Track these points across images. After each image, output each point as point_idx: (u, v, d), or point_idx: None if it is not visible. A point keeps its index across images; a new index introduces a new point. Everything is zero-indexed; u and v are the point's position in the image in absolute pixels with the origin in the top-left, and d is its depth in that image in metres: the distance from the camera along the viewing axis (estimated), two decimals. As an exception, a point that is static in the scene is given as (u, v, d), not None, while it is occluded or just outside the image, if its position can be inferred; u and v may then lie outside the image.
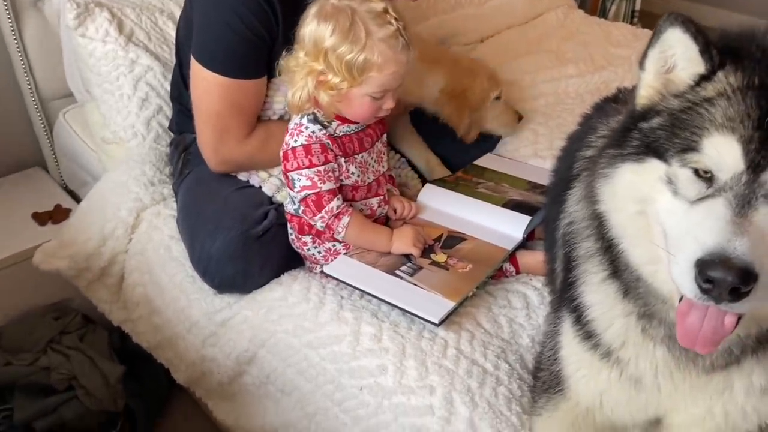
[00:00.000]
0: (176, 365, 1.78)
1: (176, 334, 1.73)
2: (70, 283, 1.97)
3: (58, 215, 2.24)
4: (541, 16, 2.93)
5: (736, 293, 0.84)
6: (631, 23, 3.96)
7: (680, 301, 0.97)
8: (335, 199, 1.51)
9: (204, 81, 1.62)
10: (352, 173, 1.57)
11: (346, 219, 1.52)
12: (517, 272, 1.64)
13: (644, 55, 1.02)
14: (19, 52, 2.26)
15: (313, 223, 1.55)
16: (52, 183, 2.46)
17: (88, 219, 1.93)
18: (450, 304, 1.42)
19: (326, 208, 1.51)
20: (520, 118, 2.10)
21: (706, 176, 0.91)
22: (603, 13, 4.08)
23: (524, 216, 1.68)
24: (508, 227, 1.67)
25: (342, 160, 1.54)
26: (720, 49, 0.96)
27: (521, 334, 1.44)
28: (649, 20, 3.96)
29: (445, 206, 1.76)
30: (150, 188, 1.96)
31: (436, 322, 1.38)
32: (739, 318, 0.93)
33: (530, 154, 2.06)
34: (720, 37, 1.00)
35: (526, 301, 1.52)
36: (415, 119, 2.05)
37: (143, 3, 2.17)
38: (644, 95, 1.03)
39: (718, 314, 0.92)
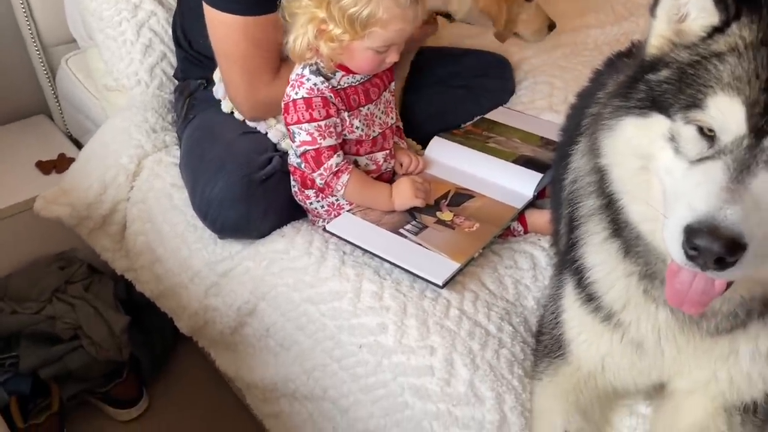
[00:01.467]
0: (179, 314, 1.77)
1: (179, 283, 1.71)
2: (75, 233, 1.95)
3: (62, 164, 2.21)
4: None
5: (722, 263, 0.81)
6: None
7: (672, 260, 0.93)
8: (335, 155, 1.46)
9: (222, 25, 1.56)
10: (357, 127, 1.51)
11: (345, 177, 1.47)
12: (526, 232, 1.60)
13: (656, 2, 0.97)
14: (20, -3, 2.19)
15: (313, 178, 1.51)
16: (56, 131, 2.42)
17: (89, 166, 1.90)
18: (454, 266, 1.38)
19: (325, 165, 1.46)
20: (551, 26, 1.95)
21: (709, 135, 0.87)
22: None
23: (535, 173, 1.62)
24: (518, 184, 1.62)
25: (345, 114, 1.48)
26: None
27: (526, 296, 1.41)
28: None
29: (453, 161, 1.70)
30: (152, 135, 1.92)
31: (440, 284, 1.34)
32: (730, 281, 0.91)
33: (545, 107, 1.99)
34: None
35: (533, 262, 1.48)
36: (427, 68, 1.96)
37: (147, -57, 2.08)
38: (654, 44, 0.98)
39: (707, 276, 0.89)
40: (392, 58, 1.45)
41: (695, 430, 1.12)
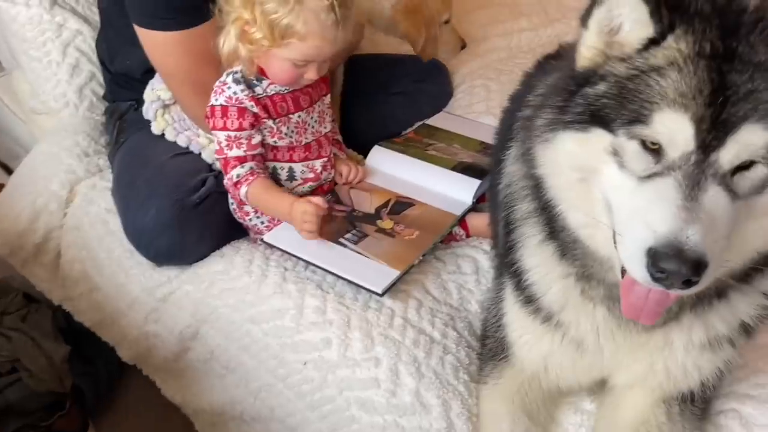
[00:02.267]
0: (120, 342, 1.72)
1: (117, 310, 1.66)
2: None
3: (-11, 190, 2.12)
4: (496, -32, 2.83)
5: (688, 283, 0.83)
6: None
7: (623, 274, 0.95)
8: (239, 166, 1.44)
9: (159, 45, 1.53)
10: (285, 134, 1.49)
11: (244, 189, 1.44)
12: (468, 236, 1.60)
13: (588, 13, 0.96)
14: (-65, 17, 2.09)
15: None
16: (-15, 157, 2.33)
17: (18, 194, 1.83)
18: (394, 273, 1.37)
19: (228, 175, 1.45)
20: (463, 45, 2.15)
21: (653, 148, 0.88)
22: (560, -35, 3.99)
23: (474, 180, 1.63)
24: (457, 191, 1.62)
25: (271, 122, 1.46)
26: (671, 7, 0.90)
27: (470, 300, 1.41)
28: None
29: (393, 170, 1.70)
30: (84, 159, 1.86)
31: (379, 292, 1.33)
32: None
33: (483, 110, 2.01)
34: None
35: (476, 266, 1.49)
36: (365, 76, 1.96)
37: (69, -38, 2.02)
38: (586, 56, 0.97)
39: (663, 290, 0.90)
40: (311, 75, 1.43)
41: (637, 422, 1.13)
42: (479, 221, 1.59)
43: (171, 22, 1.50)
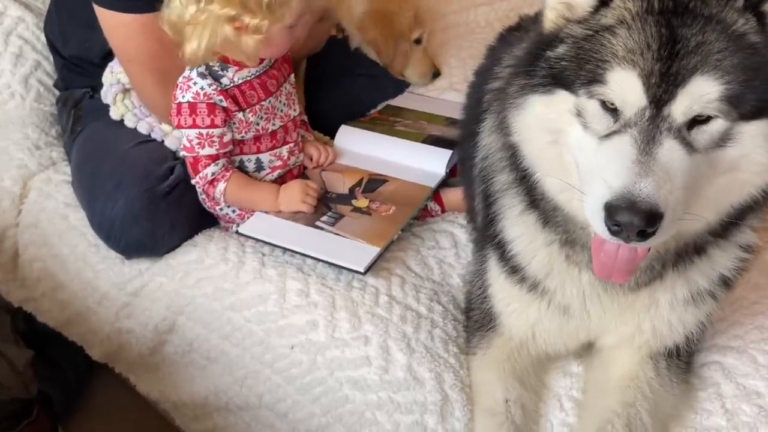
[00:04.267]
0: (90, 341, 1.65)
1: (86, 308, 1.59)
2: (-41, 265, 1.77)
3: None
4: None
5: (643, 234, 0.85)
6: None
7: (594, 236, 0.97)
8: (212, 164, 1.41)
9: (121, 26, 1.45)
10: (254, 123, 1.45)
11: (221, 185, 1.42)
12: (443, 211, 1.60)
13: None
14: None
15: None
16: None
17: (-33, 193, 1.73)
18: (374, 251, 1.36)
19: (201, 174, 1.41)
20: (437, 74, 2.01)
21: (612, 108, 0.90)
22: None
23: (445, 150, 1.63)
24: (429, 163, 1.62)
25: (240, 114, 1.42)
26: None
27: (451, 274, 1.41)
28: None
29: (363, 148, 1.68)
30: (36, 153, 1.77)
31: (362, 270, 1.32)
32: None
33: (446, 86, 2.01)
34: None
35: (454, 240, 1.49)
36: (329, 58, 1.93)
37: (3, -55, 1.91)
38: (550, 17, 1.00)
39: (630, 246, 0.92)
40: (301, 32, 1.40)
41: (626, 379, 1.16)
42: (453, 195, 1.60)
43: (136, 3, 1.42)
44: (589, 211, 0.90)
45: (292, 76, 1.58)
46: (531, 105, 0.98)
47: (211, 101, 1.37)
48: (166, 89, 1.44)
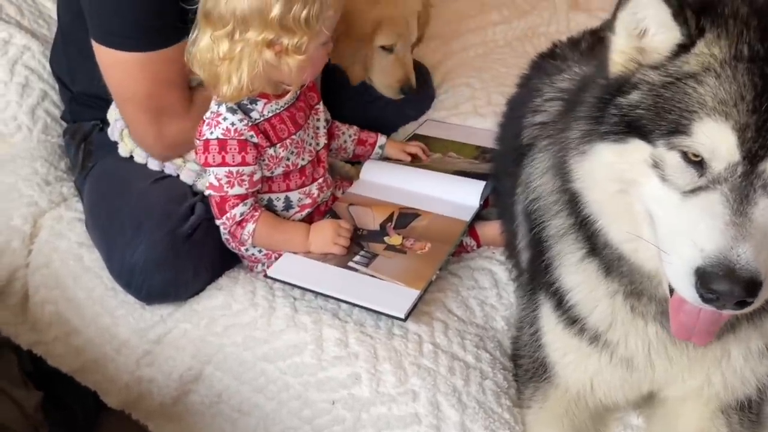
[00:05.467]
0: (106, 389, 1.56)
1: (103, 355, 1.50)
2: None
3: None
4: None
5: (742, 303, 0.79)
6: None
7: (671, 292, 0.91)
8: (241, 204, 1.33)
9: (118, 64, 1.38)
10: (285, 158, 1.38)
11: (250, 226, 1.34)
12: (479, 246, 1.53)
13: (614, 17, 0.91)
14: None
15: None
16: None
17: (-25, 233, 1.64)
18: (414, 294, 1.28)
19: (228, 215, 1.34)
20: (408, 89, 1.81)
21: (696, 160, 0.83)
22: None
23: (477, 181, 1.56)
24: (461, 195, 1.55)
25: (271, 150, 1.35)
26: (698, 10, 0.85)
27: (495, 317, 1.34)
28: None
29: (391, 180, 1.61)
30: (46, 189, 1.68)
31: (402, 316, 1.25)
32: None
33: (470, 110, 1.94)
34: None
35: (494, 279, 1.42)
36: (344, 81, 1.86)
37: (12, -27, 1.84)
38: (618, 62, 0.93)
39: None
40: (330, 45, 1.35)
41: (697, 434, 1.09)
42: (489, 230, 1.53)
43: (135, 41, 1.35)
44: (674, 274, 0.83)
45: (318, 105, 1.51)
46: (598, 153, 0.91)
47: (242, 137, 1.30)
48: (159, 128, 1.39)
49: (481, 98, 1.96)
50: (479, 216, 1.55)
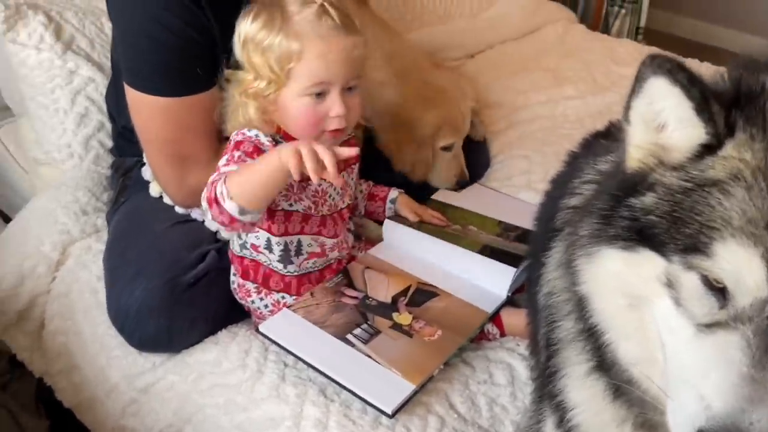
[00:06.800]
0: (97, 431, 1.50)
1: (95, 396, 1.45)
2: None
3: (-16, 244, 1.96)
4: (539, 31, 2.68)
5: None
6: (636, 40, 3.70)
7: None
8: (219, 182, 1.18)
9: (145, 107, 1.38)
10: (304, 198, 1.31)
11: (220, 186, 1.16)
12: (502, 335, 1.37)
13: (627, 105, 0.76)
14: (-55, 57, 1.99)
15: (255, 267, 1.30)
16: (-15, 207, 2.19)
17: (5, 253, 1.67)
18: (408, 388, 1.14)
19: (209, 198, 1.17)
20: (464, 183, 1.75)
21: (719, 287, 0.66)
22: (606, 29, 3.83)
23: (508, 268, 1.40)
24: (489, 281, 1.39)
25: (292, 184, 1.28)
26: (728, 104, 0.69)
27: (503, 420, 1.17)
28: (655, 38, 3.72)
29: (413, 248, 1.48)
30: (81, 218, 1.69)
31: (389, 412, 1.11)
32: None
33: (523, 184, 1.81)
34: (734, 79, 0.72)
35: (512, 375, 1.25)
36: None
37: (88, 6, 1.92)
38: (635, 156, 0.77)
39: None
40: (337, 108, 1.21)
41: None
42: (516, 318, 1.36)
43: (159, 86, 1.34)
44: (674, 425, 0.67)
45: (356, 167, 1.43)
46: (605, 258, 0.76)
47: (258, 144, 1.24)
48: (182, 175, 1.34)
49: (537, 173, 1.83)
50: (510, 301, 1.39)
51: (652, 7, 3.91)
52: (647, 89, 0.71)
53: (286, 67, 1.19)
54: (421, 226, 1.53)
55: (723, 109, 0.69)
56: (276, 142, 1.26)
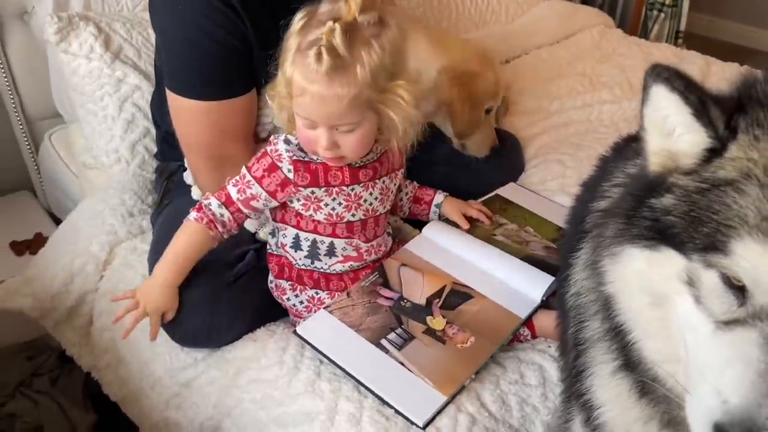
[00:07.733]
0: (142, 424, 1.56)
1: (140, 390, 1.51)
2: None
3: (36, 245, 2.06)
4: (575, 36, 2.68)
5: None
6: (675, 44, 3.66)
7: None
8: (218, 205, 1.32)
9: (185, 111, 1.44)
10: (330, 207, 1.33)
11: (192, 214, 1.34)
12: (534, 336, 1.39)
13: (641, 113, 0.79)
14: (1, 67, 2.10)
15: (290, 264, 1.35)
16: (39, 209, 2.29)
17: (56, 252, 1.75)
18: (440, 400, 1.16)
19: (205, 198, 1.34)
20: (495, 149, 1.81)
21: (738, 284, 0.68)
22: (644, 33, 3.80)
23: (546, 275, 1.42)
24: (525, 285, 1.41)
25: (306, 190, 1.31)
26: (729, 108, 0.71)
27: (534, 420, 1.19)
28: (695, 42, 3.67)
29: (453, 246, 1.50)
30: (128, 220, 1.77)
31: (420, 425, 1.13)
32: None
33: (557, 188, 1.82)
34: (741, 86, 0.74)
35: (543, 376, 1.26)
36: (426, 147, 1.80)
37: (135, 17, 2.00)
38: (654, 161, 0.79)
39: None
40: (322, 142, 1.23)
41: None
42: (548, 320, 1.37)
43: (197, 90, 1.40)
44: (692, 419, 0.69)
45: (400, 171, 1.46)
46: (628, 258, 0.78)
47: (277, 163, 1.29)
48: (220, 176, 1.38)
49: (571, 177, 1.83)
50: (543, 305, 1.40)
51: (692, 10, 3.85)
52: (652, 97, 0.74)
53: (290, 88, 1.23)
54: (472, 230, 1.56)
55: (723, 113, 0.70)
56: (301, 151, 1.30)
